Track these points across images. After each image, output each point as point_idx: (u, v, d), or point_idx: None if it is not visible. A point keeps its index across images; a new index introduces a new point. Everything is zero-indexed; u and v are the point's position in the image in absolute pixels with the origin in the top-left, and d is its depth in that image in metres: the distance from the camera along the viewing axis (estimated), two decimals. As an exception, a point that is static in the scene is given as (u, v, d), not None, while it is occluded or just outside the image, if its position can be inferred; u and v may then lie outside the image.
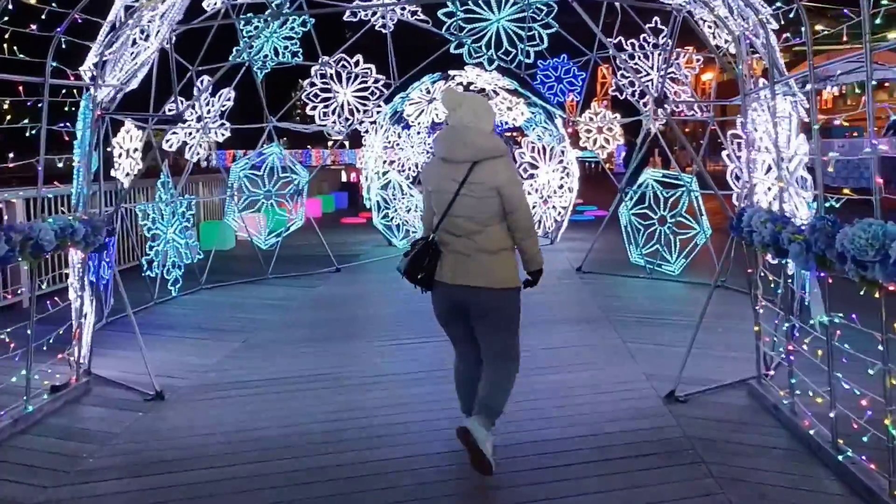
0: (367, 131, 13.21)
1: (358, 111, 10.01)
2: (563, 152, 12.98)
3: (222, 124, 9.25)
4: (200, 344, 6.65)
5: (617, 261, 10.35)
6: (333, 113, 9.93)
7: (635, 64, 9.13)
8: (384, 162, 13.00)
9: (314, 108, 9.89)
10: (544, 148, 12.96)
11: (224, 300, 8.60)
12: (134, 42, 5.54)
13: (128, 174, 7.83)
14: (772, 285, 4.94)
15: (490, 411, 3.84)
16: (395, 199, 12.74)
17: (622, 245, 10.09)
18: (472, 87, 13.22)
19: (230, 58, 8.97)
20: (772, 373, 4.94)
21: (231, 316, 7.77)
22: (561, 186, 13.05)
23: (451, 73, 12.70)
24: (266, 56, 9.27)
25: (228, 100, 9.09)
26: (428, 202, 3.98)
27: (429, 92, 12.71)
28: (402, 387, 5.39)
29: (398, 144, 13.73)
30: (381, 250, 12.67)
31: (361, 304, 8.39)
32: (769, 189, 5.18)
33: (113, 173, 7.63)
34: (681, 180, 9.20)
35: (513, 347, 3.93)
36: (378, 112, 10.12)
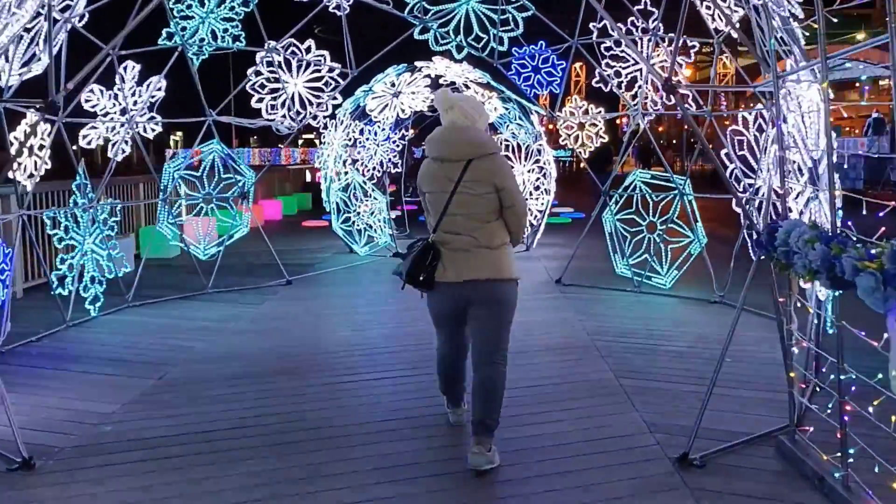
0: (325, 127, 12.10)
1: (310, 104, 8.88)
2: (539, 151, 11.97)
3: (152, 117, 8.07)
4: (107, 382, 5.46)
5: (601, 272, 9.34)
6: (283, 106, 8.78)
7: (622, 51, 8.10)
8: (344, 161, 11.86)
9: (261, 100, 8.74)
10: (519, 146, 11.95)
11: (151, 321, 7.42)
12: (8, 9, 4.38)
13: (31, 175, 6.66)
14: (814, 321, 3.92)
15: (489, 430, 3.88)
16: (356, 201, 11.63)
17: (606, 254, 9.08)
18: (442, 81, 12.14)
19: (159, 41, 7.80)
20: (809, 429, 3.92)
21: (154, 342, 6.59)
22: (537, 188, 12.04)
23: (418, 64, 11.61)
24: (203, 40, 8.09)
25: (159, 89, 7.92)
26: (426, 205, 4.01)
27: (393, 85, 11.60)
28: (365, 448, 4.22)
29: (360, 142, 12.59)
30: (340, 258, 11.55)
31: (312, 326, 7.27)
32: (798, 196, 4.19)
33: (13, 174, 6.47)
34: (672, 182, 8.21)
35: (505, 343, 3.98)
36: (334, 105, 8.97)
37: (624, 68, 8.18)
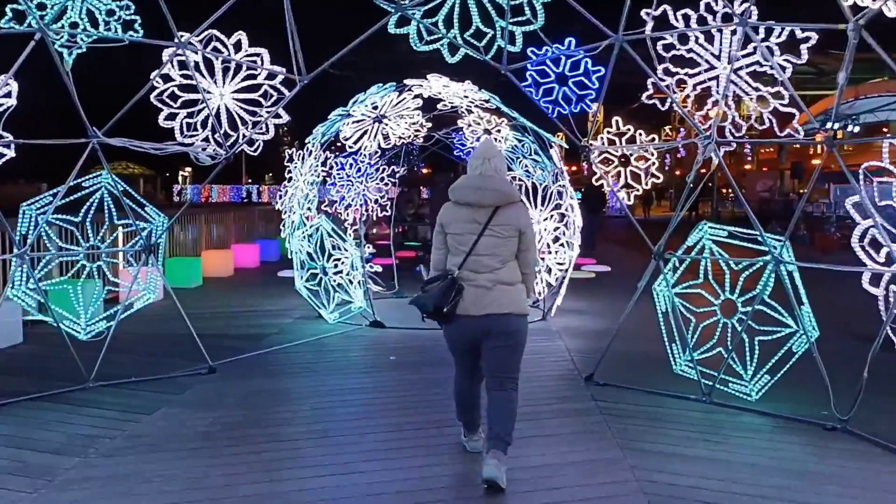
0: (290, 160, 9.57)
1: (243, 123, 6.35)
2: (560, 194, 9.38)
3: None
4: None
5: (649, 364, 6.67)
6: (204, 126, 6.25)
7: (689, 50, 5.50)
8: (308, 204, 9.27)
9: (172, 116, 6.21)
10: (535, 187, 9.35)
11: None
12: None
13: None
14: None
15: (505, 444, 4.22)
16: (324, 255, 9.04)
17: (657, 341, 6.41)
18: (440, 105, 9.65)
19: (1, 23, 5.31)
20: None
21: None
22: (556, 240, 9.42)
23: (409, 82, 9.13)
24: (75, 25, 5.58)
25: (8, 95, 5.39)
26: (442, 242, 4.40)
27: (376, 108, 9.09)
28: None
29: (334, 178, 10.02)
30: (302, 328, 8.90)
31: (225, 464, 4.63)
32: None
33: None
34: (763, 243, 5.56)
35: (517, 370, 4.36)
36: (275, 123, 6.43)
37: (692, 75, 5.58)
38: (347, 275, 8.96)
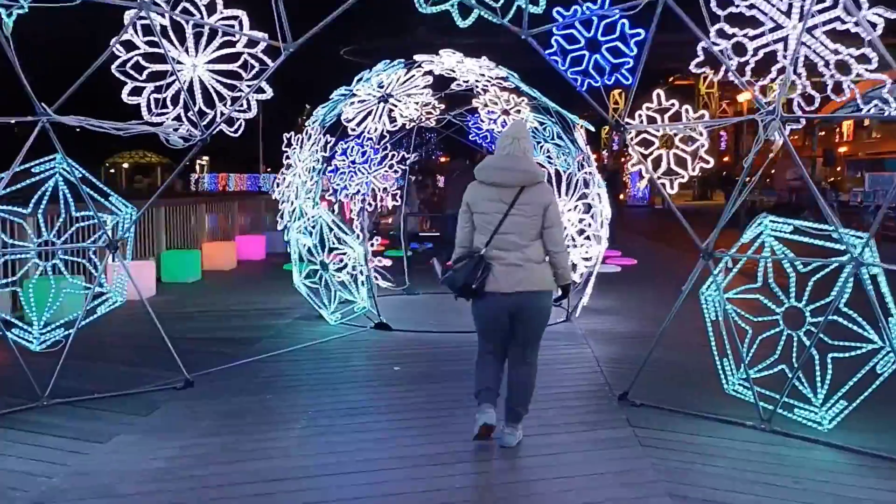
0: (287, 145, 8.68)
1: (221, 99, 5.46)
2: (586, 182, 8.44)
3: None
4: None
5: (694, 383, 5.74)
6: (175, 102, 5.37)
7: (751, 7, 4.51)
8: (308, 194, 8.37)
9: (137, 91, 5.33)
10: (558, 174, 8.42)
11: None
12: None
13: None
14: None
15: (520, 418, 4.58)
16: (324, 249, 8.16)
17: (703, 353, 5.48)
18: (456, 83, 8.73)
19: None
20: None
21: None
22: (582, 232, 8.48)
23: (418, 58, 8.21)
24: (14, -18, 4.70)
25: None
26: (468, 221, 4.51)
27: (381, 87, 8.18)
28: None
29: (335, 165, 9.11)
30: (300, 330, 8.04)
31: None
32: None
33: None
34: (839, 240, 4.59)
35: (538, 345, 4.63)
36: (259, 98, 5.53)
37: (753, 37, 4.59)
38: (352, 271, 8.07)
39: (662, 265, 14.86)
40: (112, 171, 74.66)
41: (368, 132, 8.02)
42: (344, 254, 8.08)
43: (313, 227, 8.21)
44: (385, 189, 10.66)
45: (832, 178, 32.51)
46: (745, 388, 5.08)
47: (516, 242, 4.35)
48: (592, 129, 9.16)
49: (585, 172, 8.41)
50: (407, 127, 10.37)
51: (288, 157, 8.64)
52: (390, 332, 7.95)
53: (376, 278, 10.47)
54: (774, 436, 4.75)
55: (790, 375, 4.79)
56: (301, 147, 8.50)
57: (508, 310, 4.40)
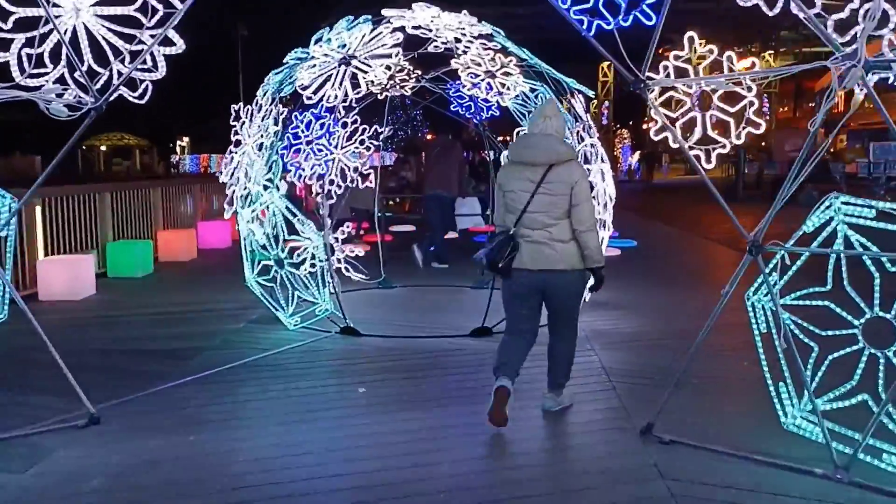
0: (235, 118, 7.35)
1: (118, 55, 4.15)
2: (586, 157, 7.21)
3: None
4: None
5: (740, 413, 4.55)
6: (55, 59, 4.06)
7: None
8: (256, 175, 7.07)
9: (3, 44, 4.02)
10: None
11: None
12: None
13: None
14: None
15: (562, 384, 4.71)
16: (279, 242, 6.90)
17: (750, 372, 4.28)
18: (436, 44, 7.42)
19: None
20: None
21: None
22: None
23: (387, 13, 6.88)
24: None
25: None
26: (501, 199, 4.56)
27: (344, 48, 6.86)
28: None
29: (291, 142, 7.77)
30: (254, 336, 6.80)
31: None
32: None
33: None
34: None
35: (575, 320, 4.67)
36: (167, 52, 4.22)
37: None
38: (311, 267, 6.82)
39: (664, 247, 13.77)
40: (91, 154, 72.73)
41: (328, 100, 6.70)
42: (302, 247, 6.81)
43: (268, 215, 6.93)
44: (356, 168, 9.39)
45: (832, 149, 31.33)
46: (810, 423, 3.89)
47: (543, 221, 4.36)
48: (592, 94, 7.90)
49: (587, 146, 7.17)
50: (379, 95, 9.08)
51: (237, 133, 7.34)
52: (358, 339, 6.71)
53: (346, 270, 9.23)
54: (855, 489, 3.56)
55: (876, 410, 3.59)
56: (251, 121, 7.19)
57: (538, 287, 4.43)
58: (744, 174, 26.44)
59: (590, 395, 5.10)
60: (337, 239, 9.18)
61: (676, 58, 4.05)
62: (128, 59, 4.16)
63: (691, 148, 4.13)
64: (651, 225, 17.14)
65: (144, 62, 4.17)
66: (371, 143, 9.42)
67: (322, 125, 6.94)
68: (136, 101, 4.27)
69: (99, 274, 10.18)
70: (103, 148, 74.51)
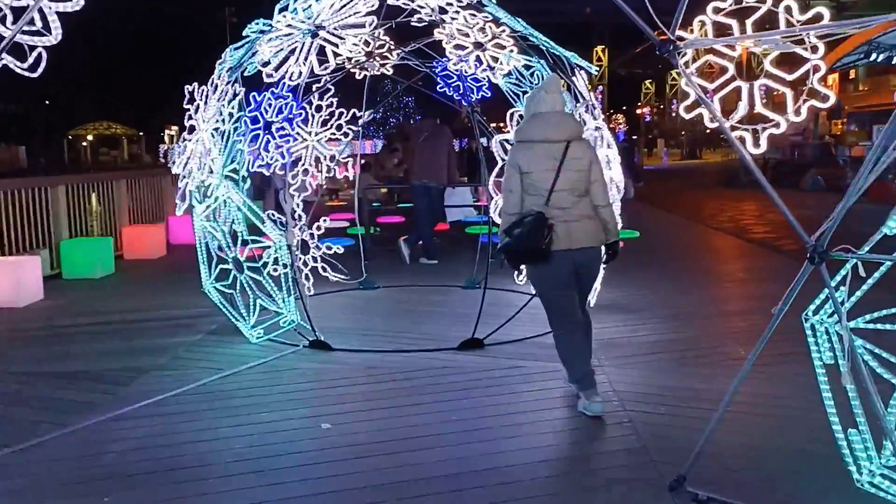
0: (189, 101, 6.41)
1: (-6, 13, 3.21)
2: (591, 144, 6.28)
3: None
4: None
5: (797, 468, 3.65)
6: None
7: None
8: (213, 164, 6.13)
9: None
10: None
11: None
12: None
13: None
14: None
15: (594, 381, 4.40)
16: (237, 242, 5.98)
17: (811, 417, 3.40)
18: (419, 15, 6.50)
19: None
20: None
21: None
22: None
23: (361, -23, 5.93)
24: None
25: None
26: (517, 184, 4.35)
27: (311, 19, 5.90)
28: None
29: (255, 126, 6.80)
30: (205, 353, 5.87)
31: None
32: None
33: None
34: None
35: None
36: (61, 9, 3.27)
37: None
38: (273, 271, 5.90)
39: (669, 237, 12.86)
40: (77, 144, 71.45)
41: (290, 78, 5.75)
42: (264, 248, 5.89)
43: (225, 211, 6.02)
44: (332, 157, 8.44)
45: (834, 132, 30.50)
46: (893, 483, 3.00)
47: (570, 199, 4.30)
48: (595, 71, 6.97)
49: (589, 129, 6.25)
50: (357, 74, 8.15)
51: (190, 118, 6.40)
52: (329, 354, 5.81)
53: (324, 270, 8.33)
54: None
55: None
56: (206, 103, 6.26)
57: (572, 266, 4.34)
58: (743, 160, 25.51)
59: (601, 431, 4.21)
60: (312, 235, 8.32)
61: (716, 10, 3.13)
62: (8, 19, 3.22)
63: (734, 129, 3.21)
64: (651, 213, 16.25)
65: (32, 22, 3.23)
66: (349, 129, 8.50)
67: (283, 108, 5.96)
68: (25, 73, 3.33)
69: (53, 276, 9.27)
70: (90, 137, 73.10)
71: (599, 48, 58.88)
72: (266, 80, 5.84)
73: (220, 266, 6.13)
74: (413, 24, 6.76)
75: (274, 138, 5.90)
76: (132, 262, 10.74)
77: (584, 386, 4.35)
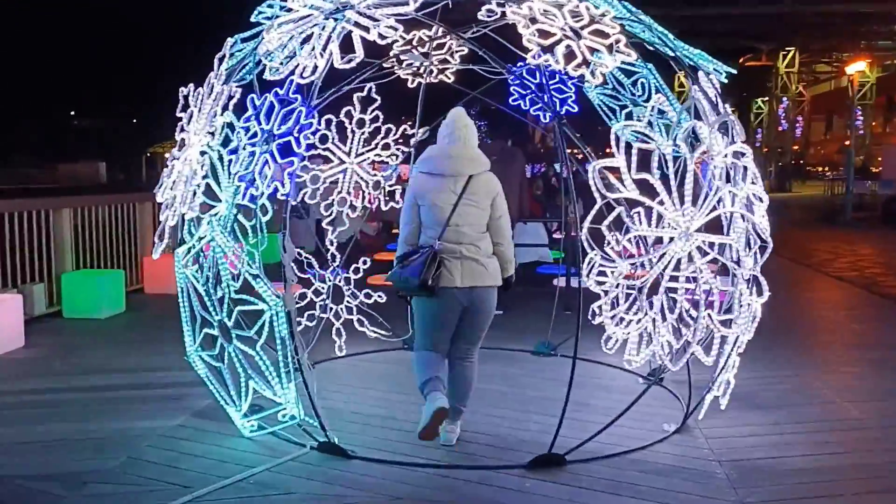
0: (182, 108, 4.82)
1: None
2: (727, 175, 4.40)
3: None
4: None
5: None
6: None
7: None
8: (199, 189, 4.51)
9: None
10: (664, 159, 4.27)
11: None
12: None
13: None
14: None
15: (460, 414, 4.36)
16: (223, 303, 4.33)
17: None
18: (487, 9, 4.75)
19: None
20: None
21: None
22: (724, 271, 4.51)
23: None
24: None
25: None
26: (414, 216, 4.29)
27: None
28: None
29: (247, 143, 5.13)
30: (178, 452, 4.19)
31: None
32: None
33: None
34: None
35: (480, 342, 4.44)
36: None
37: None
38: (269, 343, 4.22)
39: (787, 288, 10.32)
40: (157, 161, 72.67)
41: (302, 74, 4.06)
42: (258, 311, 4.23)
43: (206, 258, 4.40)
44: (377, 184, 6.79)
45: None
46: None
47: (469, 234, 4.20)
48: (726, 75, 5.09)
49: (729, 159, 4.38)
50: (409, 82, 6.51)
51: (182, 130, 4.84)
52: (345, 464, 4.08)
53: (360, 324, 6.69)
54: None
55: None
56: (200, 111, 4.67)
57: (462, 305, 4.21)
58: (851, 195, 22.98)
59: None
60: (348, 280, 6.70)
61: None
62: None
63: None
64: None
65: None
66: (397, 150, 6.88)
67: (287, 115, 4.25)
68: None
69: (51, 314, 7.90)
70: (167, 155, 74.40)
71: (681, 74, 56.29)
72: (270, 76, 4.18)
73: (206, 330, 4.51)
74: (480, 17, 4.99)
75: (275, 159, 4.21)
76: (153, 296, 9.31)
77: (428, 388, 4.16)
